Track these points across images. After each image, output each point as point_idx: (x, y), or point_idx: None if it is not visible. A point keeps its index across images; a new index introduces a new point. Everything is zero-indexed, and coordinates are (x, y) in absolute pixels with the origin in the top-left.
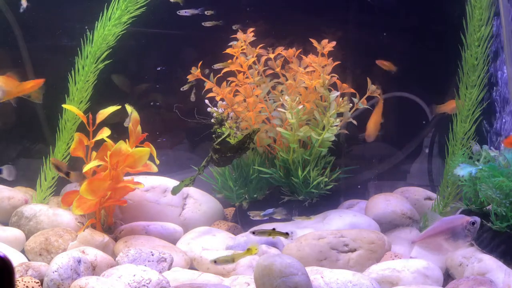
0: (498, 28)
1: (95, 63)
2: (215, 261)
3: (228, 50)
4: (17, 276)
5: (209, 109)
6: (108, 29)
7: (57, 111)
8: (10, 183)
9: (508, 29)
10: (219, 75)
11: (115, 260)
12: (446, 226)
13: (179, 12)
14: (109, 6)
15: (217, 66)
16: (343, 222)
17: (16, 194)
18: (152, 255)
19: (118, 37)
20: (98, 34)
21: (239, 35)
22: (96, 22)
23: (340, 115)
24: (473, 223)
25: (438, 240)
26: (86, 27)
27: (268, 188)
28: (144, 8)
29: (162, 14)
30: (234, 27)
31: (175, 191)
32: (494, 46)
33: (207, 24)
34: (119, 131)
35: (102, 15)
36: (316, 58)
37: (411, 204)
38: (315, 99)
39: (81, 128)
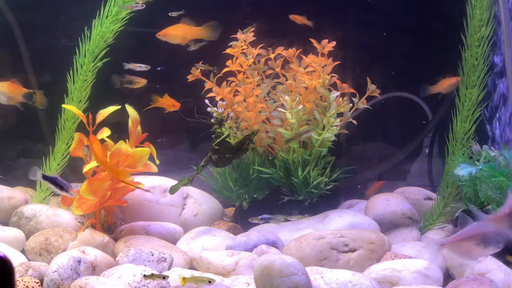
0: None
1: (94, 62)
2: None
3: (228, 50)
4: (17, 276)
5: (209, 109)
6: (105, 26)
7: (57, 110)
8: (10, 183)
9: (508, 29)
10: (219, 75)
11: (115, 260)
12: (478, 231)
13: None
14: (107, 3)
15: (199, 66)
16: (343, 222)
17: (16, 194)
18: (152, 255)
19: (116, 34)
20: (95, 31)
21: (239, 35)
22: (94, 20)
23: (340, 115)
24: None
25: (469, 245)
26: (86, 27)
27: (268, 188)
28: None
29: (162, 13)
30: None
31: (173, 190)
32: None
33: (173, 14)
34: (119, 131)
35: (100, 12)
36: (316, 58)
37: (411, 204)
38: (315, 99)
39: (81, 128)
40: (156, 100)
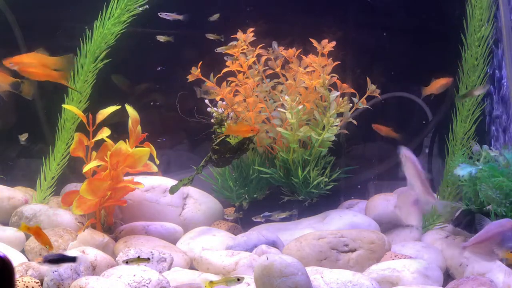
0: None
1: (94, 62)
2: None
3: (228, 50)
4: (17, 276)
5: (209, 109)
6: (107, 28)
7: (57, 110)
8: (10, 183)
9: (508, 29)
10: (219, 75)
11: (115, 260)
12: (496, 230)
13: (160, 14)
14: (109, 5)
15: (219, 50)
16: (343, 222)
17: (16, 194)
18: (152, 255)
19: (118, 36)
20: (97, 33)
21: (239, 35)
22: (96, 21)
23: (340, 115)
24: None
25: (489, 245)
26: (86, 27)
27: (268, 188)
28: (145, 6)
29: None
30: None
31: (173, 190)
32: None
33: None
34: (119, 131)
35: (102, 14)
36: (316, 58)
37: None
38: (315, 99)
39: (81, 128)
40: (230, 129)
